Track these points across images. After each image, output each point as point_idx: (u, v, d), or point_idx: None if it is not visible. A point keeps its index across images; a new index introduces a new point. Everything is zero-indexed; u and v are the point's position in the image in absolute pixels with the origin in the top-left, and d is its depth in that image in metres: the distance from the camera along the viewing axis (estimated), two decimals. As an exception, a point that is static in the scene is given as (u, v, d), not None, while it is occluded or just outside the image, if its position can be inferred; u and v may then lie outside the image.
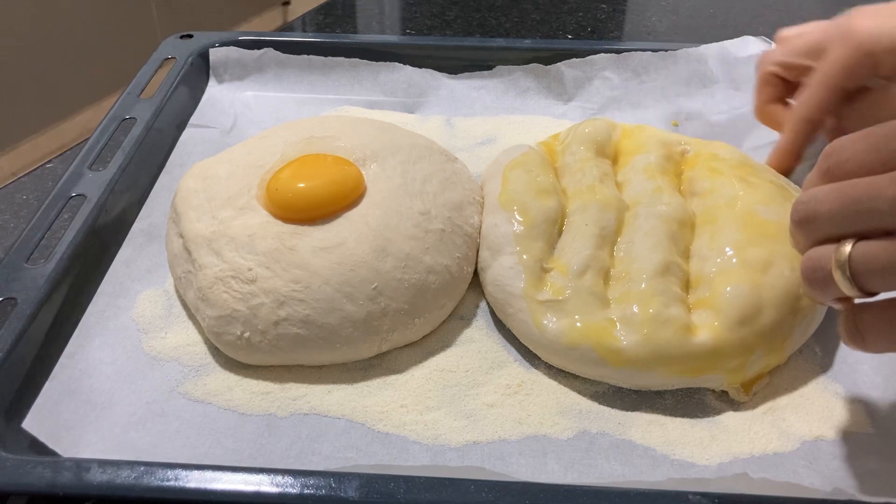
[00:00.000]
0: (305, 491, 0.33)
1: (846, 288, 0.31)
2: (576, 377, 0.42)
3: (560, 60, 0.63)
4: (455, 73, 0.65)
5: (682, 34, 0.81)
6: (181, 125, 0.59)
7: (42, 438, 0.37)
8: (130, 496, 0.33)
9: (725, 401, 0.41)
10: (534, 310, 0.42)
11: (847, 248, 0.31)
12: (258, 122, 0.61)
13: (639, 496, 0.33)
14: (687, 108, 0.62)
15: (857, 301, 0.33)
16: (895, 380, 0.41)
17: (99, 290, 0.46)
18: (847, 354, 0.42)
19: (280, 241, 0.43)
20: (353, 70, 0.64)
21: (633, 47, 0.64)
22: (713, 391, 0.41)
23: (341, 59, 0.64)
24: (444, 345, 0.44)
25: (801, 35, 0.51)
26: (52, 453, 0.37)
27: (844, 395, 0.40)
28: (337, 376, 0.42)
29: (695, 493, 0.33)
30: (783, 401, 0.40)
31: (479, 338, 0.45)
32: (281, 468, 0.34)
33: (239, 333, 0.41)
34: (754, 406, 0.40)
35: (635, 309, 0.41)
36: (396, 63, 0.64)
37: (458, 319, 0.46)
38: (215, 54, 0.64)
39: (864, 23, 0.45)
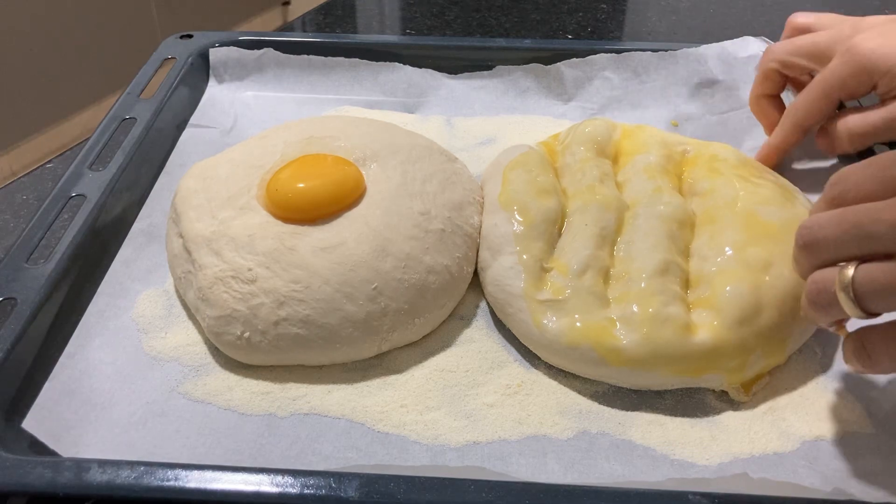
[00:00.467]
0: (305, 491, 0.33)
1: (850, 309, 0.33)
2: (576, 377, 0.42)
3: (560, 60, 0.63)
4: (455, 73, 0.65)
5: (682, 34, 0.81)
6: (181, 125, 0.59)
7: (42, 438, 0.37)
8: (130, 496, 0.33)
9: (725, 401, 0.41)
10: (534, 309, 0.42)
11: (850, 271, 0.32)
12: (258, 122, 0.61)
13: (639, 496, 0.33)
14: (687, 108, 0.62)
15: (862, 324, 0.34)
16: (895, 380, 0.41)
17: (99, 290, 0.46)
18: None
19: (280, 241, 0.43)
20: (353, 70, 0.64)
21: (633, 47, 0.64)
22: (713, 391, 0.41)
23: (341, 59, 0.64)
24: (444, 345, 0.44)
25: (810, 33, 0.51)
26: (52, 453, 0.37)
27: (844, 395, 0.40)
28: (337, 376, 0.42)
29: (695, 493, 0.33)
30: (783, 401, 0.40)
31: (479, 338, 0.45)
32: (281, 468, 0.34)
33: (239, 333, 0.41)
34: (754, 406, 0.40)
35: (635, 308, 0.41)
36: (396, 63, 0.64)
37: (458, 319, 0.46)
38: (215, 54, 0.64)
39: (869, 42, 0.46)
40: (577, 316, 0.41)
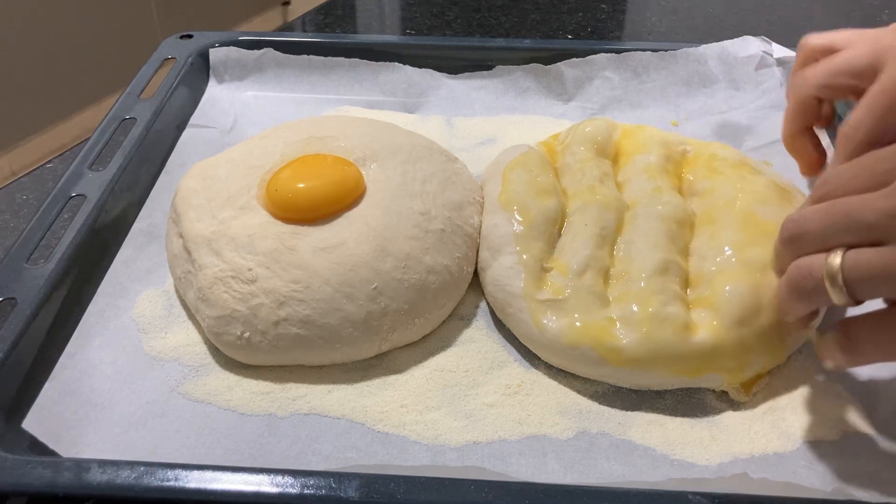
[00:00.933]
0: (305, 491, 0.33)
1: (836, 295, 0.33)
2: (576, 377, 0.42)
3: (560, 60, 0.63)
4: (455, 73, 0.65)
5: (682, 34, 0.81)
6: (181, 125, 0.59)
7: (42, 438, 0.37)
8: (130, 496, 0.33)
9: (725, 401, 0.41)
10: (533, 309, 0.42)
11: (838, 257, 0.32)
12: (258, 122, 0.61)
13: (639, 496, 0.33)
14: (687, 108, 0.62)
15: (847, 314, 0.34)
16: (895, 380, 0.41)
17: (99, 290, 0.46)
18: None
19: (280, 242, 0.43)
20: (353, 70, 0.64)
21: (633, 47, 0.64)
22: (713, 391, 0.41)
23: (341, 59, 0.64)
24: (444, 345, 0.44)
25: (832, 53, 0.46)
26: (52, 453, 0.37)
27: (844, 395, 0.40)
28: (337, 376, 0.42)
29: (695, 493, 0.33)
30: (783, 401, 0.40)
31: (479, 338, 0.45)
32: (281, 468, 0.34)
33: (239, 333, 0.41)
34: (754, 406, 0.40)
35: (635, 308, 0.41)
36: (396, 63, 0.64)
37: (458, 319, 0.46)
38: (215, 54, 0.64)
39: None
40: (576, 315, 0.41)
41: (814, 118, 0.49)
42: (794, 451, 0.38)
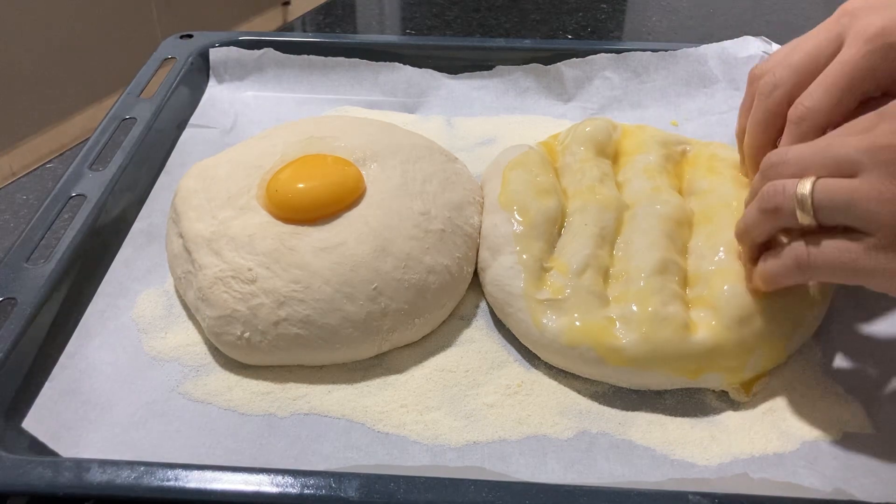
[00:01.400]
0: (305, 491, 0.33)
1: (803, 216, 0.35)
2: (576, 377, 0.42)
3: (560, 60, 0.63)
4: (455, 73, 0.65)
5: (682, 34, 0.81)
6: (181, 125, 0.59)
7: (42, 438, 0.37)
8: (130, 496, 0.33)
9: (725, 401, 0.41)
10: (533, 309, 0.42)
11: (810, 181, 0.35)
12: (258, 122, 0.61)
13: (639, 496, 0.33)
14: (687, 108, 0.62)
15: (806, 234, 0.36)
16: (895, 380, 0.41)
17: (99, 290, 0.46)
18: (847, 354, 0.42)
19: (280, 242, 0.43)
20: (353, 70, 0.64)
21: (633, 47, 0.64)
22: (713, 391, 0.41)
23: (341, 59, 0.64)
24: (444, 345, 0.44)
25: (802, 44, 0.43)
26: (52, 453, 0.37)
27: (844, 395, 0.40)
28: (337, 376, 0.42)
29: (695, 494, 0.33)
30: (783, 401, 0.40)
31: (479, 338, 0.45)
32: (281, 468, 0.34)
33: (239, 333, 0.41)
34: (754, 406, 0.40)
35: (634, 307, 0.41)
36: (396, 63, 0.64)
37: (458, 319, 0.46)
38: (215, 54, 0.64)
39: (872, 19, 0.40)
40: (576, 315, 0.41)
41: (779, 131, 0.43)
42: (794, 451, 0.38)
